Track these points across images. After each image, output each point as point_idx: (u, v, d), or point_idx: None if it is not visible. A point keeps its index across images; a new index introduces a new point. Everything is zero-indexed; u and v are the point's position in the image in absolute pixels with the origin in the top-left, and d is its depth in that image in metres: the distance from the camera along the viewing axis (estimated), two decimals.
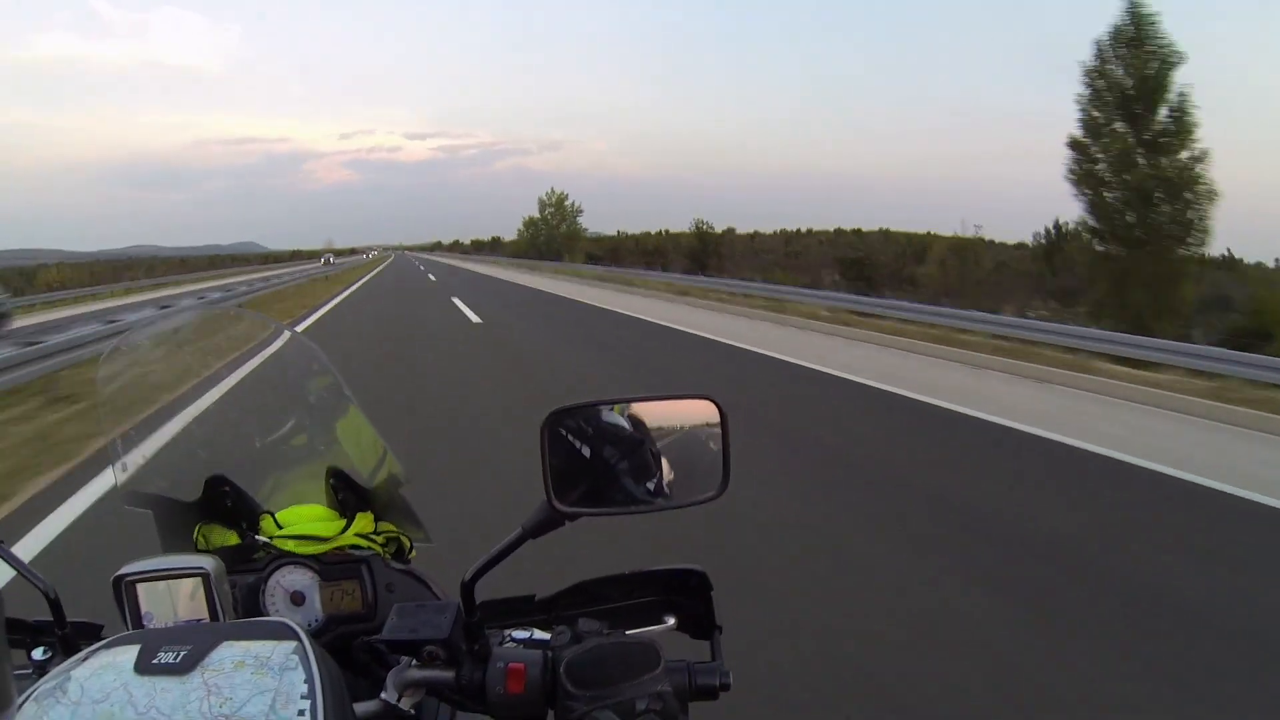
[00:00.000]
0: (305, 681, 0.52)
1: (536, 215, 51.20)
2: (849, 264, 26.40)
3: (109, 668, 0.53)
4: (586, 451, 0.68)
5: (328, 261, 59.79)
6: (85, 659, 0.55)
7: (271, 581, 0.78)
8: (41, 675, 0.68)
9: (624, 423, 0.70)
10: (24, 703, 0.52)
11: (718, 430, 0.72)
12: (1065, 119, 16.06)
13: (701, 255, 34.33)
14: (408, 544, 0.86)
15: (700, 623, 0.74)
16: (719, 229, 41.07)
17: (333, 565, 0.79)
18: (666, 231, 47.57)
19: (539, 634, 0.71)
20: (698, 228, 38.63)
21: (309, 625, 0.76)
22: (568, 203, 47.30)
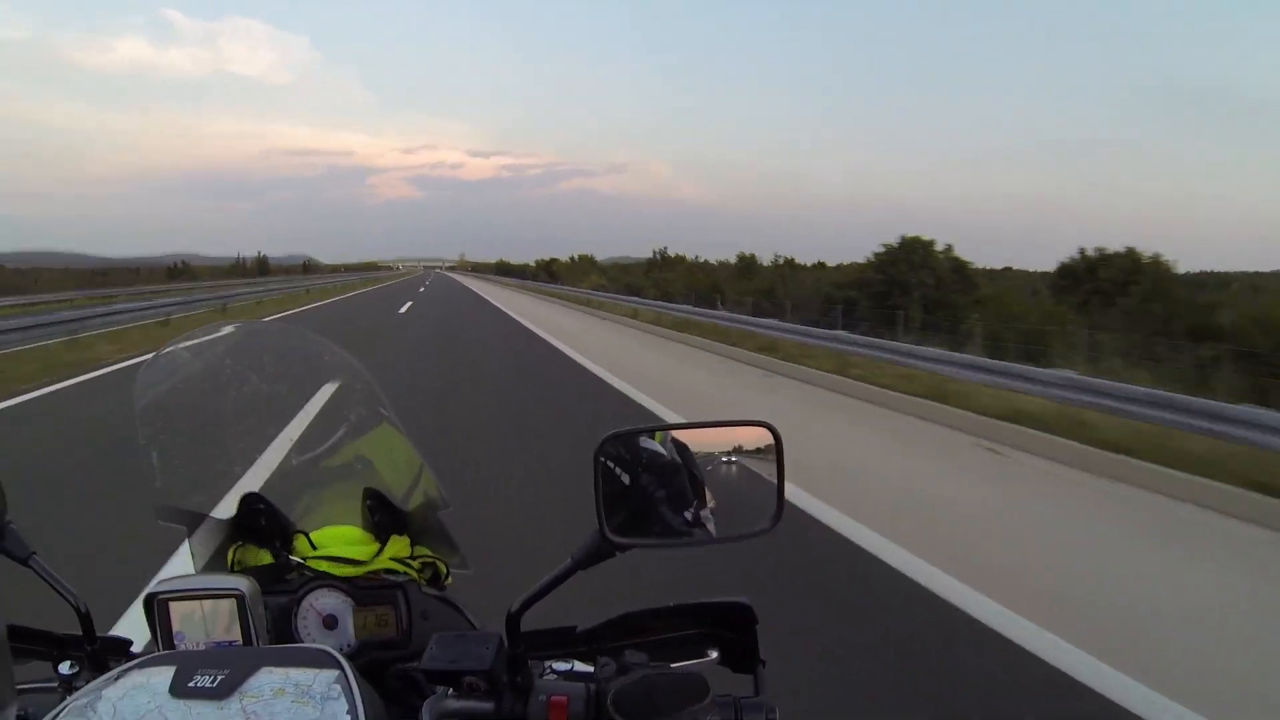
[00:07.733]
0: (348, 713, 0.50)
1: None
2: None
3: (143, 688, 0.51)
4: (639, 481, 0.67)
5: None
6: (118, 678, 0.53)
7: (304, 604, 0.76)
8: (68, 691, 0.65)
9: (674, 451, 0.69)
10: None
11: (772, 458, 0.70)
12: None
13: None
14: (444, 570, 0.84)
15: (743, 656, 0.72)
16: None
17: (367, 590, 0.77)
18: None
19: (580, 666, 0.70)
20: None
21: (341, 650, 0.73)
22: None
